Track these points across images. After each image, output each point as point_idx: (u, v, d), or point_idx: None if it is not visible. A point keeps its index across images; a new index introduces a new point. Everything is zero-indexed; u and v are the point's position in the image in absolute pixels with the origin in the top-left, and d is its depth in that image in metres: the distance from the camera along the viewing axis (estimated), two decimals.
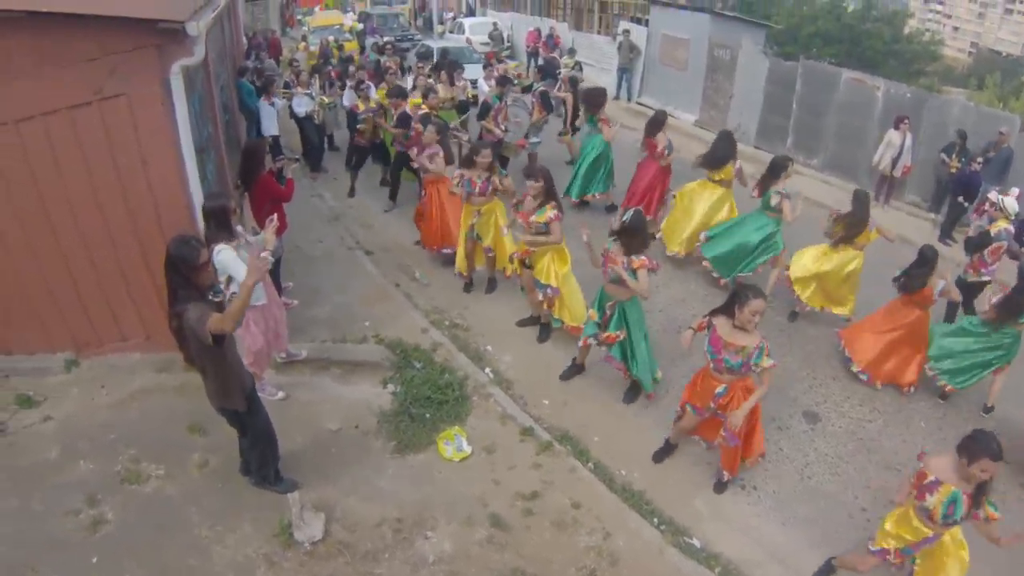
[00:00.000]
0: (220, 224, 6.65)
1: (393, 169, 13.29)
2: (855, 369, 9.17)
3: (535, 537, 6.46)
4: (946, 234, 14.23)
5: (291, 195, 9.00)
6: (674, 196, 11.87)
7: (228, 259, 6.48)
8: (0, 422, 7.20)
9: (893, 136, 15.01)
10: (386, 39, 25.34)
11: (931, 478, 5.33)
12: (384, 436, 7.46)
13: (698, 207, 11.30)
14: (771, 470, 7.65)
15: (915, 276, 8.59)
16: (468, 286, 10.58)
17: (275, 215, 6.94)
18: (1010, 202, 10.38)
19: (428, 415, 7.74)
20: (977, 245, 9.89)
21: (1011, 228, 10.17)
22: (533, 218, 8.34)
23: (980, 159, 13.69)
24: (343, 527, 6.28)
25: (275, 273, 8.87)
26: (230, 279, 6.59)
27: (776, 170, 10.09)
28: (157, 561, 5.83)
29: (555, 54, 22.01)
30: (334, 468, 6.94)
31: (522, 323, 9.68)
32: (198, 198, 7.44)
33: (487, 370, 8.71)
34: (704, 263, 10.90)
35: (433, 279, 10.91)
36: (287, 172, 9.11)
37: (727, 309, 6.40)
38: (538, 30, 28.07)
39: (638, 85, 23.56)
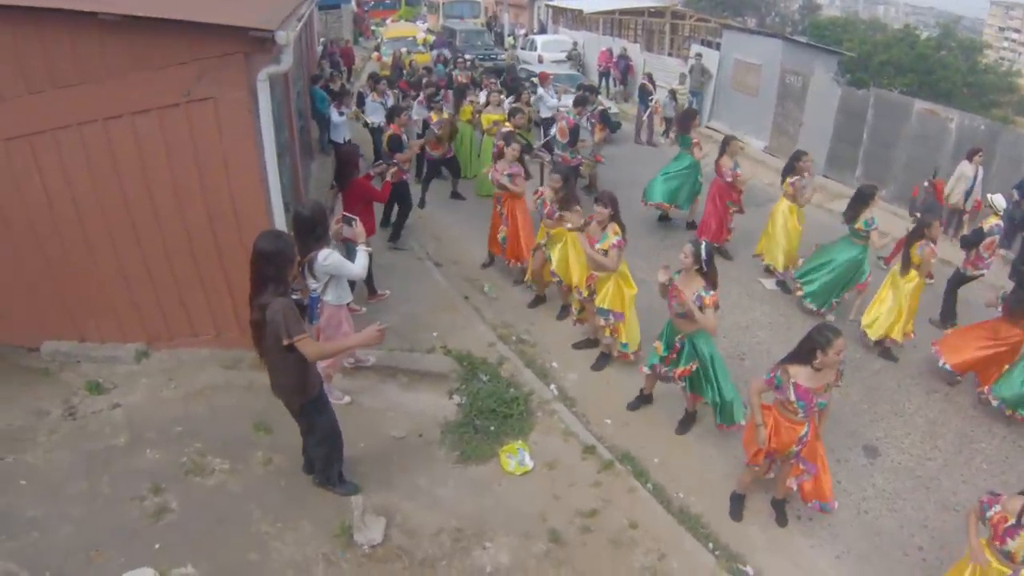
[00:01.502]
0: (324, 230, 6.87)
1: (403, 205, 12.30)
2: (941, 363, 9.26)
3: (591, 554, 6.46)
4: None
5: (387, 197, 9.67)
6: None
7: (338, 260, 6.81)
8: (70, 406, 7.41)
9: (966, 168, 14.57)
10: (467, 55, 25.48)
11: (1011, 522, 5.27)
12: (447, 446, 7.53)
13: (780, 222, 11.68)
14: None
15: (1020, 300, 8.72)
16: (537, 300, 10.64)
17: (357, 218, 7.23)
18: (998, 199, 10.86)
19: (492, 428, 7.79)
20: (973, 242, 10.55)
21: (1001, 224, 10.56)
22: (598, 245, 8.36)
23: None
24: (402, 532, 6.36)
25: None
26: (326, 284, 6.92)
27: (864, 198, 10.31)
28: (217, 553, 5.95)
29: (646, 80, 21.79)
30: (396, 475, 7.02)
31: (578, 345, 9.67)
32: (277, 202, 7.63)
33: (552, 387, 8.73)
34: (799, 295, 10.99)
35: (501, 294, 11.01)
36: (387, 176, 9.58)
37: (805, 357, 6.15)
38: (610, 50, 28.00)
39: (708, 109, 23.29)
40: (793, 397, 6.22)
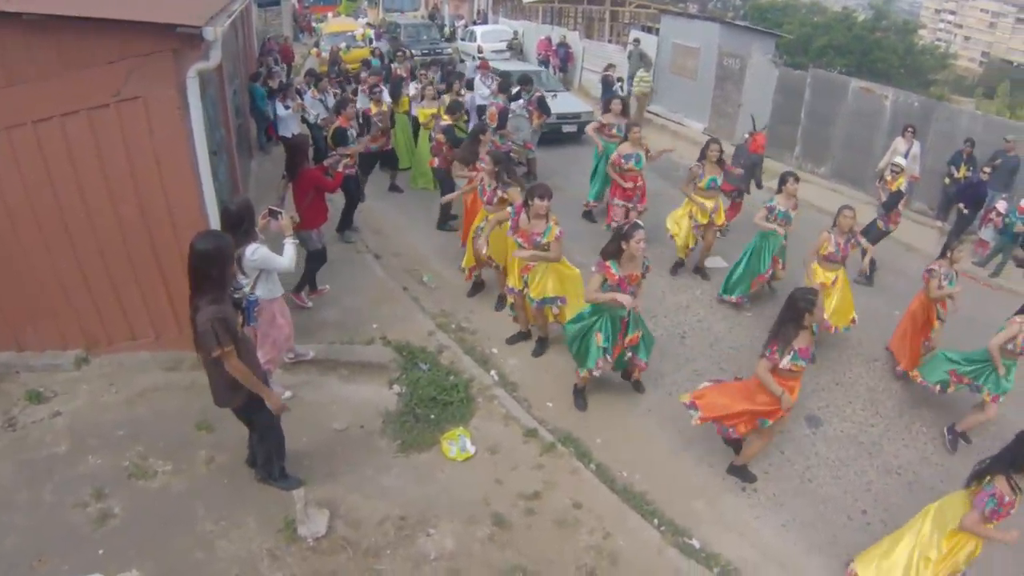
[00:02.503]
0: (251, 225, 6.85)
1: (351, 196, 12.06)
2: (899, 369, 9.37)
3: (536, 536, 6.53)
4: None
5: (338, 187, 9.65)
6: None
7: (266, 254, 6.81)
8: (10, 417, 7.31)
9: (899, 144, 15.13)
10: (412, 50, 25.24)
11: (1009, 497, 5.57)
12: (389, 436, 7.54)
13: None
14: (772, 473, 7.74)
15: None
16: (475, 288, 10.63)
17: (283, 211, 7.25)
18: (901, 160, 12.27)
19: (433, 416, 7.83)
20: (894, 203, 11.78)
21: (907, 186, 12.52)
22: (542, 239, 8.30)
23: (987, 168, 13.97)
24: (347, 524, 6.37)
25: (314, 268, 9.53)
26: (256, 280, 6.92)
27: (777, 184, 10.34)
28: (162, 555, 5.92)
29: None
30: (339, 466, 7.03)
31: (512, 340, 9.59)
32: (211, 200, 7.57)
33: (492, 372, 8.78)
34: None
35: (440, 283, 10.98)
36: (339, 167, 9.71)
37: (796, 320, 6.63)
38: (549, 39, 28.02)
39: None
40: (801, 361, 6.68)
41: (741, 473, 7.60)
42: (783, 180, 10.15)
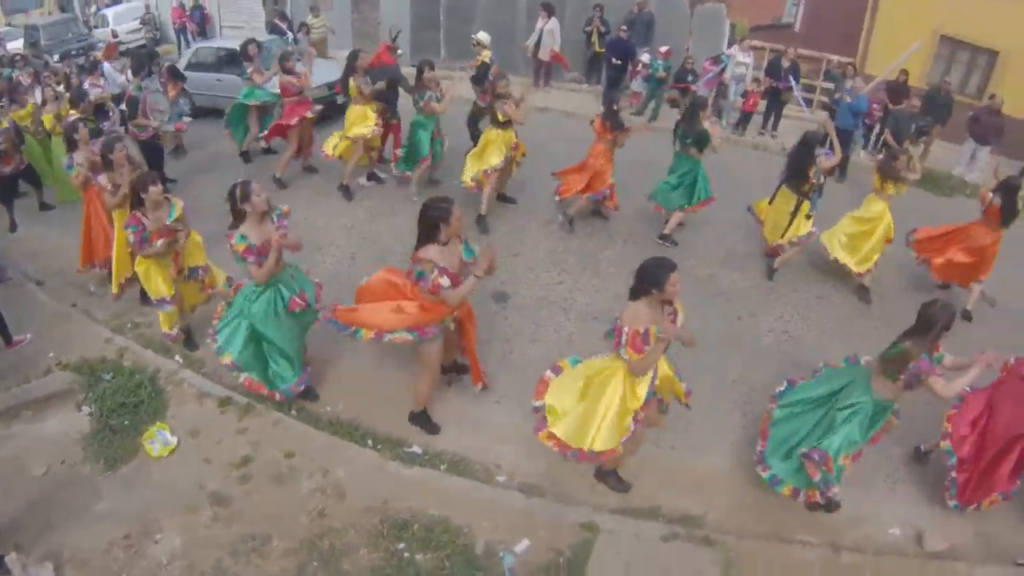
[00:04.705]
0: None
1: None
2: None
3: (258, 499, 6.67)
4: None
5: None
6: None
7: None
8: None
9: (539, 22, 16.85)
10: (55, 55, 23.51)
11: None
12: (92, 459, 7.28)
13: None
14: None
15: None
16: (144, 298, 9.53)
17: None
18: (483, 36, 13.20)
19: (127, 422, 7.63)
20: (482, 78, 12.42)
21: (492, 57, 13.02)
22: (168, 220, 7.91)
23: (624, 27, 16.05)
24: (74, 567, 6.19)
25: None
26: None
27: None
28: None
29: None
30: (51, 512, 6.72)
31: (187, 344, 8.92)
32: None
33: (176, 357, 8.60)
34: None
35: (108, 289, 9.89)
36: None
37: (431, 235, 6.35)
38: (181, 4, 25.87)
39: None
40: (443, 281, 6.33)
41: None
42: (421, 69, 11.01)
